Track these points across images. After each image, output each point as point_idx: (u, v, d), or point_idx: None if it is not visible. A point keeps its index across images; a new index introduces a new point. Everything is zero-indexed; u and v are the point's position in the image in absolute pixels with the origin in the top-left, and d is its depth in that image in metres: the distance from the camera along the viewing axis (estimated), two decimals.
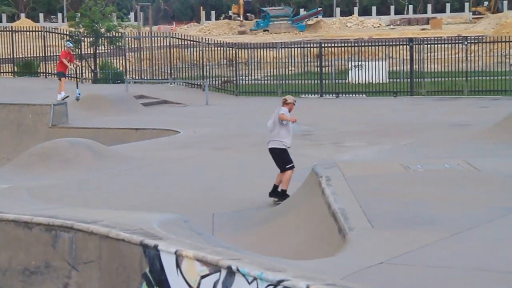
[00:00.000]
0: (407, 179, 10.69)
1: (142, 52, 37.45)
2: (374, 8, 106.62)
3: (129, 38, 38.03)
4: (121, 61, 37.85)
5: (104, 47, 38.02)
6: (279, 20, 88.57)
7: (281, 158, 12.55)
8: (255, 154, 18.18)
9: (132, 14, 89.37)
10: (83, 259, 7.72)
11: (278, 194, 12.33)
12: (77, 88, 25.81)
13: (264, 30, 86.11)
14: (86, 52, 37.78)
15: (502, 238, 7.58)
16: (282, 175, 12.51)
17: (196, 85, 33.93)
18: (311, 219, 9.54)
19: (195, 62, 35.23)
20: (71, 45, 26.53)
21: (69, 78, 28.26)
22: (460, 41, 32.92)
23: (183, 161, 17.23)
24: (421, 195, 9.63)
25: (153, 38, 36.97)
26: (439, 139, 19.39)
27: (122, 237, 7.20)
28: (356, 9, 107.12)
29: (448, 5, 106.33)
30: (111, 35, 37.41)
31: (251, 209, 12.24)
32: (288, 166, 12.50)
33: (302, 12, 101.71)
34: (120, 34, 37.51)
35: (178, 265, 6.46)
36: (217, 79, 34.39)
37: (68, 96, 24.54)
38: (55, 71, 26.59)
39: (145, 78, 36.55)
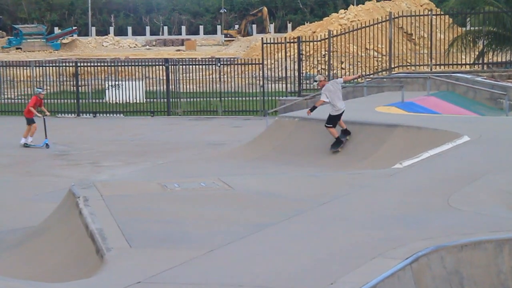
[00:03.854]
0: (164, 197, 10.82)
1: None
2: (130, 28, 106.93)
3: None
4: None
5: None
6: (33, 38, 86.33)
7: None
8: (7, 174, 17.60)
9: None
10: None
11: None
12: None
13: (17, 48, 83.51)
14: None
15: (256, 254, 7.90)
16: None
17: None
18: (68, 241, 9.39)
19: None
20: (40, 90, 23.58)
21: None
22: (214, 63, 33.91)
23: None
24: (179, 213, 9.80)
25: None
26: (196, 157, 19.83)
27: None
28: (112, 29, 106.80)
29: (201, 28, 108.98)
30: None
31: (4, 231, 11.82)
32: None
33: (57, 30, 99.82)
34: None
35: None
36: None
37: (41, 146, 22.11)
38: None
39: None
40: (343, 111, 18.39)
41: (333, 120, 18.34)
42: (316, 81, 19.01)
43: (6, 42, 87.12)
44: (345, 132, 18.49)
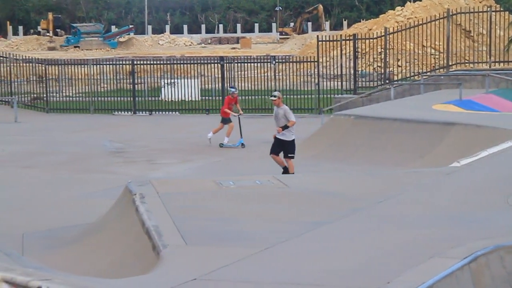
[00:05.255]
0: (219, 195, 10.85)
1: None
2: (185, 27, 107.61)
3: None
4: None
5: None
6: (90, 37, 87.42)
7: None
8: (66, 172, 17.83)
9: None
10: None
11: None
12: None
13: (75, 47, 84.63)
14: None
15: (311, 252, 7.86)
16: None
17: (4, 102, 32.80)
18: (125, 237, 9.47)
19: (3, 78, 34.05)
20: (233, 90, 22.89)
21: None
22: (269, 61, 33.88)
23: None
24: (234, 211, 9.81)
25: None
26: (251, 155, 19.84)
27: None
28: (167, 27, 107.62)
29: (256, 25, 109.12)
30: None
31: (63, 228, 11.98)
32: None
33: (114, 29, 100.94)
34: None
35: None
36: (26, 95, 33.42)
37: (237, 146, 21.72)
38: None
39: None
40: None
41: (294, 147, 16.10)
42: (274, 96, 16.35)
43: (64, 40, 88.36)
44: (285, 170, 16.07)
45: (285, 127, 15.97)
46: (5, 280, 6.07)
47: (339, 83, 31.48)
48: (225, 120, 22.32)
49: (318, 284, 6.73)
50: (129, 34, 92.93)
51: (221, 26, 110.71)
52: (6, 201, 14.23)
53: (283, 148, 16.05)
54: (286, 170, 15.87)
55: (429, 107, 21.29)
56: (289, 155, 15.97)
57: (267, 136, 23.37)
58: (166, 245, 8.04)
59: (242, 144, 21.66)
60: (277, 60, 33.25)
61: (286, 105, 17.49)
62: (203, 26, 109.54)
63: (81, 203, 13.87)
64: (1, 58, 34.64)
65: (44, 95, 32.86)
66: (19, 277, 6.03)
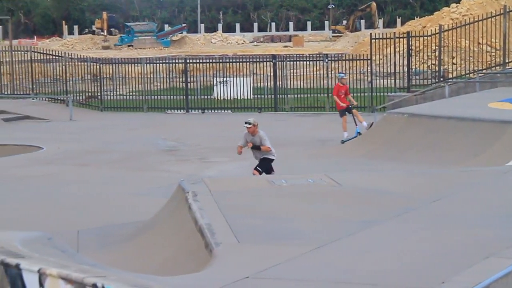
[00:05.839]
0: (272, 194, 10.84)
1: (1, 67, 36.34)
2: (237, 25, 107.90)
3: None
4: None
5: None
6: (144, 36, 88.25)
7: None
8: (119, 170, 18.01)
9: None
10: None
11: None
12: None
13: (129, 46, 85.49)
14: None
15: (363, 251, 7.81)
16: None
17: (59, 100, 33.28)
18: (178, 235, 9.53)
19: (58, 77, 34.55)
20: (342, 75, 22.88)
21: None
22: (321, 59, 33.76)
23: (46, 177, 16.84)
24: (286, 209, 9.79)
25: (13, 52, 35.96)
26: (303, 154, 19.79)
27: None
28: (220, 26, 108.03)
29: (309, 23, 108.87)
30: None
31: (117, 225, 12.11)
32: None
33: (167, 28, 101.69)
34: None
35: (41, 284, 6.29)
36: (81, 94, 33.87)
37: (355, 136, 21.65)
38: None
39: (5, 93, 35.49)
40: None
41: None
42: (249, 124, 14.83)
43: (118, 39, 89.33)
44: None
45: (257, 148, 14.74)
46: (61, 277, 6.15)
47: (393, 81, 31.23)
48: (341, 113, 22.22)
49: (371, 284, 6.68)
50: (182, 33, 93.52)
51: (273, 24, 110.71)
52: (61, 199, 14.43)
53: (260, 163, 14.84)
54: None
55: (485, 105, 20.98)
56: (258, 167, 14.69)
57: (320, 135, 23.34)
58: (219, 243, 8.07)
59: (359, 133, 21.69)
60: (329, 58, 33.12)
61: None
62: (255, 25, 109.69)
63: (134, 201, 14.00)
64: (57, 57, 35.16)
65: (99, 94, 33.25)
66: (75, 273, 6.09)
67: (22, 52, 35.46)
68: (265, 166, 14.72)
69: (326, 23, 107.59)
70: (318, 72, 32.67)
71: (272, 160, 14.83)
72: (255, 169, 14.73)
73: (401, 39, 31.83)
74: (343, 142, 21.40)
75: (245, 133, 14.90)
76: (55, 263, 6.48)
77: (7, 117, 28.42)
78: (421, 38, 33.80)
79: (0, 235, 8.10)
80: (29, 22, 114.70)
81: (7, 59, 35.99)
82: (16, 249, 7.04)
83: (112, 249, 10.49)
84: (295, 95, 31.56)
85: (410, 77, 30.66)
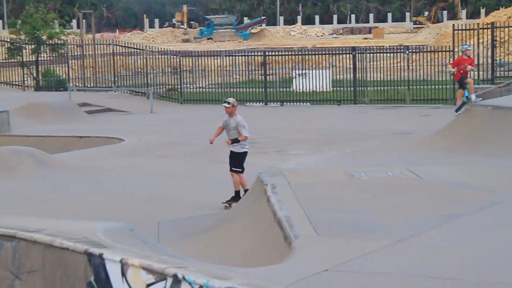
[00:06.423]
0: (351, 186, 10.78)
1: (85, 60, 37.10)
2: (317, 17, 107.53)
3: (72, 46, 37.67)
4: (63, 69, 37.49)
5: (46, 54, 37.61)
6: (223, 28, 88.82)
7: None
8: (199, 162, 18.18)
9: (74, 22, 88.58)
10: (27, 268, 7.60)
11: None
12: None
13: (208, 38, 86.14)
14: (28, 60, 37.33)
15: (444, 245, 7.70)
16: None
17: (140, 93, 33.76)
18: (257, 227, 9.56)
19: (139, 70, 35.06)
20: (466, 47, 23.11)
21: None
22: (402, 51, 33.34)
23: (127, 169, 17.11)
24: (365, 202, 9.72)
25: (96, 46, 36.66)
26: (383, 147, 19.60)
27: (66, 245, 7.11)
28: (299, 18, 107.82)
29: (389, 15, 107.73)
30: (53, 43, 37.04)
31: (197, 216, 12.22)
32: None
33: (246, 20, 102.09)
34: (62, 41, 37.15)
35: (123, 274, 6.40)
36: (161, 87, 34.28)
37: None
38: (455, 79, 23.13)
39: (89, 85, 36.21)
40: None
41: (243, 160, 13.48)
42: (228, 103, 13.63)
43: (198, 32, 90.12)
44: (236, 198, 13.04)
45: (235, 141, 13.46)
46: (143, 267, 6.24)
47: (476, 72, 30.65)
48: (461, 84, 22.39)
49: (451, 278, 6.58)
50: (261, 26, 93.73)
51: (353, 16, 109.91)
52: (143, 190, 14.65)
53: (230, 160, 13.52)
54: (237, 196, 12.98)
55: None
56: (233, 168, 13.33)
57: (400, 128, 23.07)
58: (298, 235, 8.06)
59: (467, 97, 22.13)
60: (410, 50, 32.69)
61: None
62: (335, 17, 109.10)
63: (214, 193, 14.10)
64: (138, 50, 35.69)
65: (179, 86, 33.59)
66: (156, 264, 6.18)
67: (105, 46, 36.08)
68: (235, 160, 13.32)
69: (407, 14, 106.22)
70: (398, 64, 32.27)
71: (245, 154, 13.44)
72: (231, 170, 13.39)
73: (485, 30, 31.19)
74: (457, 111, 21.97)
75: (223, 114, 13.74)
76: (137, 253, 6.59)
77: (90, 110, 28.98)
78: (506, 29, 33.05)
79: (84, 225, 8.27)
80: (111, 16, 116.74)
81: (90, 53, 36.71)
82: (99, 240, 7.18)
83: (192, 240, 10.60)
84: (375, 88, 31.26)
85: (494, 68, 30.03)
